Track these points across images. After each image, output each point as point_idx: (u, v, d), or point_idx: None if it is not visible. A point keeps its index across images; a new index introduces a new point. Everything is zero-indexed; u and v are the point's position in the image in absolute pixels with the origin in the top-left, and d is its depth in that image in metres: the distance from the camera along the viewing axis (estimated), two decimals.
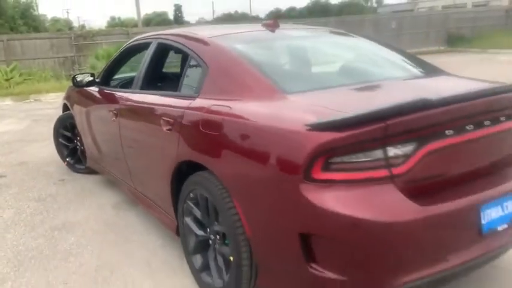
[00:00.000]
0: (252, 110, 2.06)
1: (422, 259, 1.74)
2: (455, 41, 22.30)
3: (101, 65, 9.36)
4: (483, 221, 1.88)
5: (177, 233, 2.71)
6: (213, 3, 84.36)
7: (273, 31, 2.96)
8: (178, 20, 67.15)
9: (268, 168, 1.87)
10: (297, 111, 1.92)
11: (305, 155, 1.69)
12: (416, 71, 2.71)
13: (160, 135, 2.64)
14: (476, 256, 1.86)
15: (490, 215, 1.91)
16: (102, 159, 3.98)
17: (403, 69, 2.71)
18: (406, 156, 1.73)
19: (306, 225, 1.75)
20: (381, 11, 50.79)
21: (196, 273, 2.51)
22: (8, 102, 11.61)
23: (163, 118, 2.60)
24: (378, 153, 1.70)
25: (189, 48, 2.72)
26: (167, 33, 3.13)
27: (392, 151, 1.71)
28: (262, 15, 67.63)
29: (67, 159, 4.87)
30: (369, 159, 1.70)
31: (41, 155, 5.63)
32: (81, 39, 17.15)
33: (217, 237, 2.31)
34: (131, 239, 3.20)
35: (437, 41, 22.56)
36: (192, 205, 2.47)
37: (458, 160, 1.89)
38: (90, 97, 3.94)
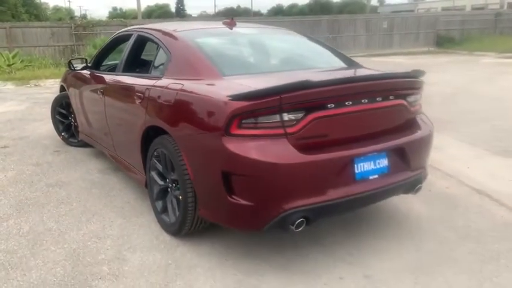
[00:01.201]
0: (196, 86, 2.80)
1: (305, 191, 2.47)
2: (445, 42, 23.06)
3: None
4: (356, 171, 2.63)
5: (146, 185, 3.44)
6: None
7: (230, 28, 3.70)
8: (180, 13, 67.67)
9: (203, 127, 2.61)
10: (226, 88, 2.65)
11: (225, 117, 2.43)
12: (336, 63, 3.45)
13: (134, 107, 3.37)
14: (349, 194, 2.60)
15: (363, 167, 2.66)
16: (91, 131, 4.71)
17: (326, 61, 3.46)
18: (297, 121, 2.46)
19: (226, 166, 2.49)
20: (381, 11, 51.47)
21: (157, 214, 3.26)
22: (9, 86, 12.32)
23: (137, 94, 3.34)
24: (276, 117, 2.43)
25: (159, 40, 3.46)
26: (145, 27, 3.86)
27: (286, 116, 2.44)
28: (264, 10, 68.24)
29: (62, 134, 5.60)
30: (269, 121, 2.43)
31: (39, 131, 6.36)
32: (81, 29, 17.85)
33: (173, 184, 3.05)
34: (111, 193, 3.94)
35: (427, 42, 23.31)
36: (156, 161, 3.20)
37: (340, 125, 2.61)
38: (83, 79, 4.67)
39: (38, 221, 3.40)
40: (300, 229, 2.53)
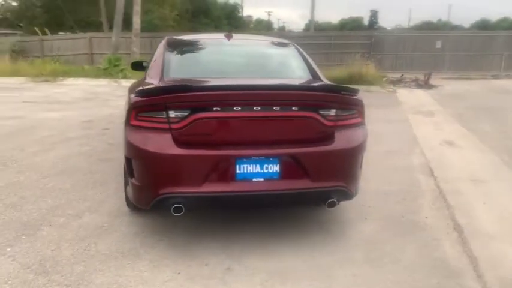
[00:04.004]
0: (144, 83, 3.37)
1: (180, 181, 2.82)
2: None
3: None
4: (238, 171, 2.85)
5: None
6: (410, 10, 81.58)
7: (221, 39, 4.16)
8: (372, 25, 67.30)
9: (125, 117, 3.18)
10: (147, 86, 3.15)
11: (130, 109, 2.96)
12: (297, 76, 3.63)
13: None
14: (227, 191, 2.84)
15: (246, 168, 2.86)
16: None
17: (285, 73, 3.67)
18: (181, 118, 2.82)
19: (126, 151, 3.02)
20: None
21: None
22: None
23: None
24: (163, 114, 2.84)
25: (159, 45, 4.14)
26: (169, 35, 4.57)
27: (172, 113, 2.83)
28: (466, 24, 61.87)
29: None
30: (157, 116, 2.85)
31: None
32: None
33: None
34: None
35: None
36: None
37: (225, 128, 2.86)
38: None
39: (62, 182, 4.42)
40: (180, 214, 2.87)
